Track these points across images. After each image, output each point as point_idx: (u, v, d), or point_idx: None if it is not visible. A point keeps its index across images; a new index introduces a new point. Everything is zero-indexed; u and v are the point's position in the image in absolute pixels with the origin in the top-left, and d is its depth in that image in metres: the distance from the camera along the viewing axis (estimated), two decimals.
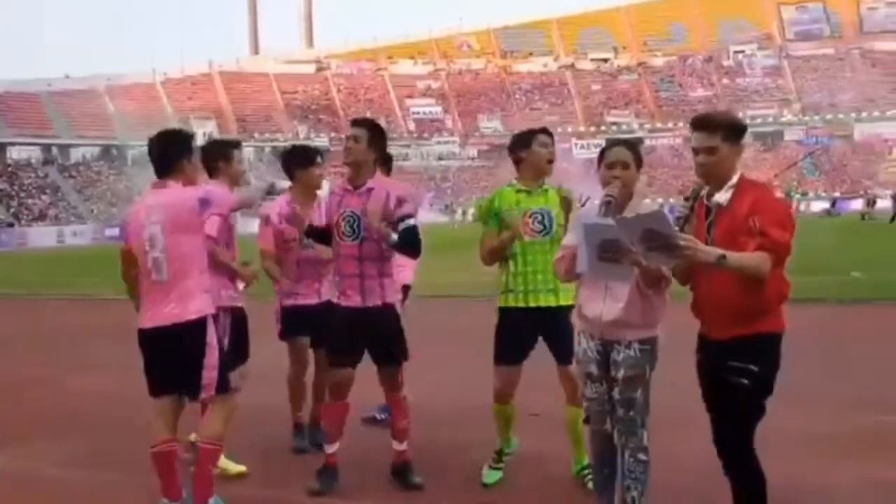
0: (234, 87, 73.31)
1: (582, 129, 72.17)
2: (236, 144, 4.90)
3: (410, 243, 4.21)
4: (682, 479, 4.17)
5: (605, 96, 76.79)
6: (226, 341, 4.27)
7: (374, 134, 4.27)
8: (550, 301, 4.22)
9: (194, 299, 3.75)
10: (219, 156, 4.71)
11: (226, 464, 4.49)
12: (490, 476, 4.45)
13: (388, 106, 75.51)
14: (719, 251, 3.00)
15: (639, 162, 3.53)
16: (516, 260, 4.24)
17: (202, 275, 3.82)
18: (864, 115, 66.40)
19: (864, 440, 4.96)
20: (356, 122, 4.34)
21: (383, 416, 5.27)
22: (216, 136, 68.36)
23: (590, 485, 4.07)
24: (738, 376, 3.15)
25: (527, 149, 4.35)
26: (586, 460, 4.20)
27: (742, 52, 75.89)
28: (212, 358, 3.75)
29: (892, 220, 32.98)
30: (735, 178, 3.21)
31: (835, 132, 66.72)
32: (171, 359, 3.74)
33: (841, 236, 24.60)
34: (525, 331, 4.27)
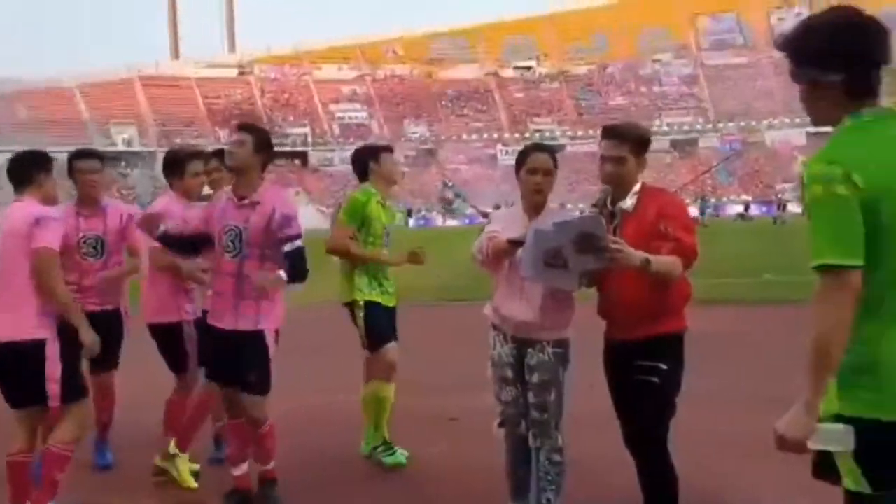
0: (154, 92, 71.45)
1: (507, 135, 72.95)
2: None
3: (298, 268, 3.92)
4: (601, 478, 4.28)
5: (529, 104, 77.82)
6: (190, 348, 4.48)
7: (261, 139, 4.02)
8: (395, 301, 4.80)
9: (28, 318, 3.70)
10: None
11: (184, 469, 4.50)
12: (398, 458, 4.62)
13: (313, 110, 74.89)
14: (645, 255, 3.14)
15: (556, 168, 3.63)
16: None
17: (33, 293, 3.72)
18: (775, 122, 69.01)
19: (771, 438, 5.16)
20: (242, 127, 4.12)
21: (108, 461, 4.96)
22: (136, 141, 66.78)
23: (386, 459, 4.55)
24: (648, 375, 3.28)
25: (376, 161, 4.75)
26: (380, 438, 4.62)
27: (659, 60, 77.95)
28: (52, 371, 3.69)
29: (775, 221, 34.79)
30: (638, 186, 3.38)
31: (747, 139, 69.15)
32: (13, 375, 3.76)
33: (754, 240, 25.53)
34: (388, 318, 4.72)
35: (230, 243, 3.89)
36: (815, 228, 2.04)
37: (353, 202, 4.66)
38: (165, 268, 4.47)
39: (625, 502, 3.69)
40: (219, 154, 4.80)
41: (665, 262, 3.19)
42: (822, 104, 2.19)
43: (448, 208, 58.50)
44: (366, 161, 4.78)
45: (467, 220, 54.65)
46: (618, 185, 3.36)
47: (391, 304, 4.76)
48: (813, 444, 2.08)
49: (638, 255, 3.14)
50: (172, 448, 4.54)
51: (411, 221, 59.46)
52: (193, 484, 4.47)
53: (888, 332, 2.05)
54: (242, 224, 3.89)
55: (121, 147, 63.07)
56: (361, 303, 4.63)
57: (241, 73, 77.23)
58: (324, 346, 7.60)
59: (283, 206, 3.95)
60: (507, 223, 3.63)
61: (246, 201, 3.92)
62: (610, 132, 3.41)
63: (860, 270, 2.01)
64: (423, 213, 62.48)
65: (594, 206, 3.36)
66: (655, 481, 3.37)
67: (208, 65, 77.29)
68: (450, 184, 66.12)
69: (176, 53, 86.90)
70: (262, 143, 3.99)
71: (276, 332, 4.06)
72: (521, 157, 3.60)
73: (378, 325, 4.64)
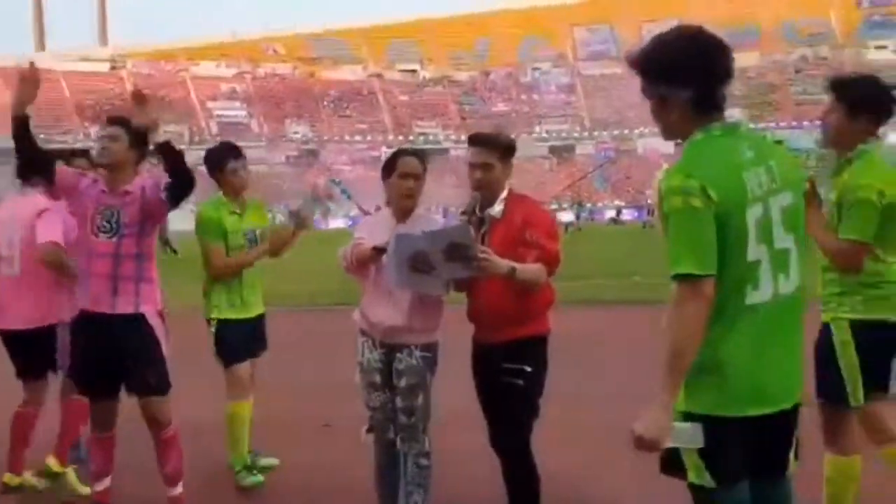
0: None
1: (391, 138, 73.00)
2: None
3: (173, 160, 3.62)
4: (469, 476, 4.35)
5: (413, 107, 78.17)
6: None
7: (136, 133, 3.74)
8: (259, 310, 4.66)
9: None
10: None
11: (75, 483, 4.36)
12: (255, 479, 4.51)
13: (190, 108, 72.54)
14: (511, 264, 3.23)
15: (425, 172, 3.65)
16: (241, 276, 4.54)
17: None
18: (646, 131, 72.06)
19: (627, 435, 5.40)
20: (115, 120, 3.83)
21: (83, 456, 4.79)
22: None
23: (246, 481, 4.45)
24: (513, 377, 3.38)
25: (221, 172, 4.54)
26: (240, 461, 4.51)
27: (539, 69, 79.97)
28: None
29: (644, 226, 36.56)
30: (505, 192, 3.47)
31: (620, 147, 71.90)
32: None
33: (625, 243, 26.57)
34: (243, 335, 4.56)
35: (106, 223, 3.68)
36: (674, 239, 2.15)
37: (206, 221, 4.43)
38: (54, 265, 4.26)
39: (491, 499, 3.78)
40: (84, 154, 4.57)
41: (530, 269, 3.29)
42: (672, 119, 2.29)
43: (324, 206, 57.79)
44: (211, 169, 4.55)
45: (350, 222, 54.33)
46: (486, 192, 3.44)
47: (251, 315, 4.57)
48: (669, 443, 2.17)
49: (504, 263, 3.22)
50: (56, 466, 4.39)
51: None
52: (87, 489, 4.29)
53: (730, 335, 2.17)
54: (118, 204, 3.69)
55: None
56: (214, 321, 4.50)
57: (114, 68, 73.99)
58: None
59: (149, 179, 3.76)
60: (375, 229, 3.63)
61: (119, 190, 3.73)
62: (477, 140, 3.49)
63: (713, 279, 2.12)
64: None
65: (463, 213, 3.44)
66: (518, 479, 3.48)
67: (77, 58, 73.63)
68: (337, 180, 65.44)
69: (42, 45, 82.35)
70: (137, 137, 3.74)
71: (162, 315, 3.86)
72: (391, 162, 3.60)
73: (227, 345, 4.48)
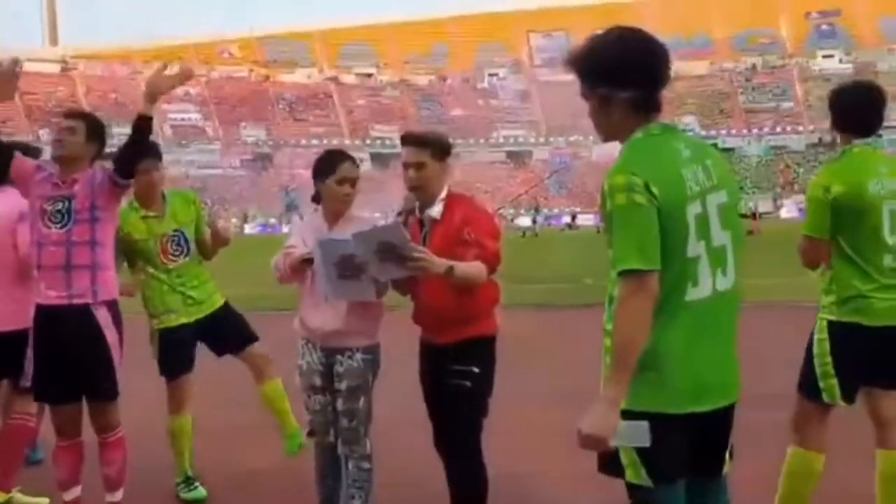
0: None
1: (348, 141, 72.73)
2: None
3: (139, 135, 3.58)
4: (412, 483, 4.32)
5: (370, 111, 78.05)
6: None
7: (95, 127, 3.73)
8: (213, 307, 4.40)
9: None
10: None
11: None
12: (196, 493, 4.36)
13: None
14: (449, 263, 3.17)
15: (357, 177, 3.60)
16: (165, 280, 4.28)
17: None
18: None
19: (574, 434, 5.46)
20: (73, 114, 3.79)
21: (39, 457, 4.71)
22: None
23: (184, 495, 4.33)
24: (461, 379, 3.33)
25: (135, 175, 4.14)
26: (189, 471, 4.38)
27: (496, 75, 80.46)
28: None
29: (598, 231, 37.26)
30: (444, 193, 3.42)
31: (576, 153, 72.63)
32: None
33: (579, 247, 26.85)
34: (192, 343, 4.35)
35: (57, 213, 3.62)
36: (619, 235, 2.15)
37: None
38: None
39: (434, 502, 3.74)
40: (38, 152, 4.37)
41: (469, 268, 3.23)
42: (613, 120, 2.29)
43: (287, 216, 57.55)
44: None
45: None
46: (422, 192, 3.39)
47: (201, 316, 4.34)
48: (615, 442, 2.14)
49: (441, 262, 3.17)
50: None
51: (247, 227, 58.01)
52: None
53: (669, 332, 2.17)
54: (68, 194, 3.63)
55: None
56: (156, 332, 4.29)
57: (64, 70, 72.64)
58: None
59: (100, 172, 3.69)
60: (307, 233, 3.57)
61: (69, 180, 3.66)
62: (409, 139, 3.45)
63: (658, 274, 2.12)
64: (259, 219, 61.11)
65: (399, 213, 3.38)
66: (464, 482, 3.43)
67: (26, 58, 72.10)
68: (291, 188, 64.95)
69: None
70: (95, 131, 3.71)
71: (114, 306, 3.74)
72: (328, 166, 3.54)
73: (168, 357, 4.30)
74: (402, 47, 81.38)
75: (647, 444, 2.15)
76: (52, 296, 3.64)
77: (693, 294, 2.20)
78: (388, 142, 72.07)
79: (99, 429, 3.80)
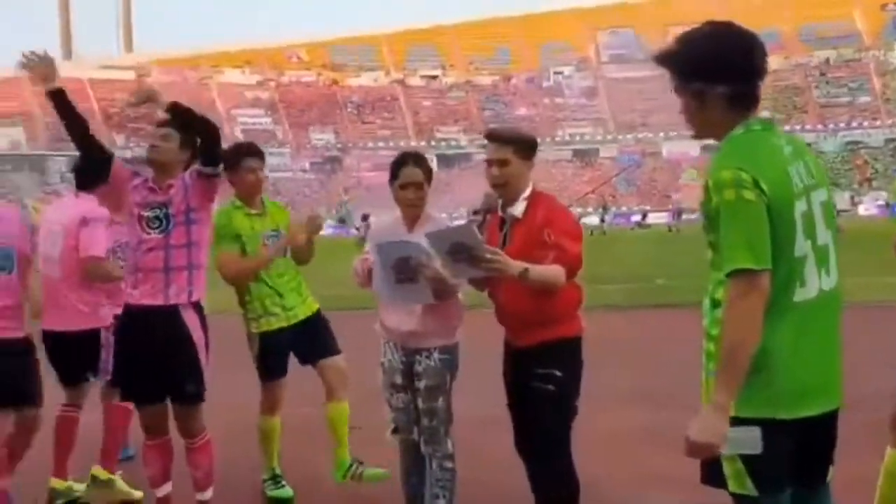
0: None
1: (413, 143, 73.15)
2: None
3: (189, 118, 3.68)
4: (498, 485, 4.31)
5: (435, 112, 78.32)
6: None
7: (188, 136, 3.79)
8: (307, 312, 4.42)
9: None
10: None
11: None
12: (282, 492, 4.39)
13: (215, 115, 72.77)
14: (523, 265, 3.11)
15: (429, 178, 3.61)
16: (267, 282, 4.31)
17: None
18: (672, 134, 71.65)
19: (661, 436, 5.24)
20: (165, 122, 3.82)
21: (130, 454, 4.85)
22: (23, 143, 63.80)
23: (365, 475, 4.42)
24: (543, 382, 3.27)
25: (235, 171, 4.26)
26: (349, 460, 4.46)
27: (561, 73, 79.81)
28: None
29: (670, 229, 37.15)
30: (528, 191, 3.36)
31: (645, 150, 71.52)
32: None
33: (649, 247, 26.43)
34: (286, 347, 4.38)
35: (154, 219, 3.73)
36: (727, 233, 2.08)
37: (215, 227, 4.14)
38: (99, 279, 4.35)
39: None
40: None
41: (545, 271, 3.16)
42: (708, 116, 2.23)
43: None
44: (225, 168, 4.23)
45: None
46: (504, 189, 3.34)
47: (296, 321, 4.36)
48: (726, 449, 2.06)
49: (515, 264, 3.11)
50: (102, 473, 4.36)
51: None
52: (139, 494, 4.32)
53: (777, 334, 2.10)
54: (165, 199, 3.74)
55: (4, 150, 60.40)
56: (256, 335, 4.32)
57: (139, 76, 74.83)
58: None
59: (189, 172, 3.80)
60: (387, 234, 3.59)
61: (165, 185, 3.78)
62: (493, 136, 3.42)
63: (769, 274, 2.06)
64: (329, 220, 61.85)
65: (475, 211, 3.34)
66: (546, 487, 3.36)
67: (103, 66, 74.61)
68: (345, 199, 65.52)
69: (69, 53, 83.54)
70: (188, 140, 3.80)
71: (200, 307, 3.83)
72: (392, 171, 3.57)
73: (267, 360, 4.34)
74: (466, 48, 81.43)
75: (758, 451, 2.07)
76: (147, 296, 3.73)
77: (801, 294, 2.14)
78: (453, 143, 72.25)
79: (184, 434, 3.85)
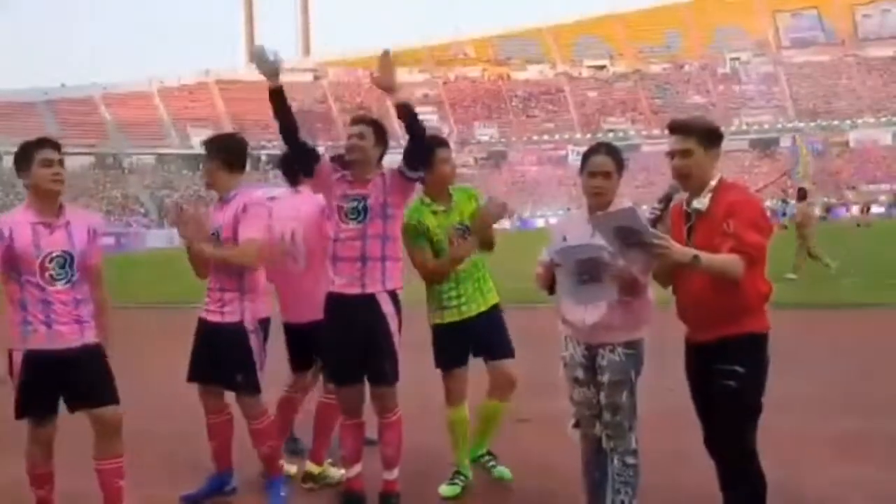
0: (230, 95, 73.36)
1: (578, 135, 72.34)
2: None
3: (410, 121, 3.88)
4: (677, 479, 4.23)
5: (602, 103, 77.04)
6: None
7: (380, 131, 4.04)
8: (481, 307, 4.33)
9: None
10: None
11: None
12: (448, 490, 4.31)
13: (384, 113, 75.46)
14: (693, 251, 3.03)
15: (620, 169, 3.52)
16: (448, 277, 4.28)
17: None
18: (859, 121, 66.65)
19: (852, 442, 5.01)
20: (360, 119, 4.12)
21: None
22: None
23: (493, 471, 4.45)
24: (724, 379, 3.17)
25: (429, 167, 4.17)
26: (485, 447, 4.48)
27: (738, 59, 76.19)
28: None
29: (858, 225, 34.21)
30: (714, 182, 3.24)
31: (830, 139, 66.96)
32: None
33: (832, 242, 24.69)
34: (463, 339, 4.32)
35: (353, 210, 3.96)
36: None
37: (404, 228, 4.17)
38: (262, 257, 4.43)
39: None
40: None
41: (717, 259, 3.05)
42: None
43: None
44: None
45: (537, 221, 54.47)
46: (688, 181, 3.25)
47: (470, 315, 4.30)
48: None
49: (685, 250, 3.04)
50: (313, 467, 4.54)
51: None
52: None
53: None
54: (364, 192, 3.96)
55: (197, 150, 65.13)
56: (431, 327, 4.37)
57: (316, 78, 78.53)
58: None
59: (390, 171, 4.01)
60: (571, 228, 3.56)
61: (364, 179, 3.98)
62: (675, 126, 3.32)
63: None
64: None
65: (660, 201, 3.24)
66: (735, 485, 3.26)
67: (284, 69, 78.85)
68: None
69: (251, 57, 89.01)
70: (380, 135, 4.04)
71: (396, 296, 4.02)
72: (583, 160, 3.53)
73: (440, 351, 4.34)
74: (635, 37, 79.47)
75: None
76: (345, 285, 3.97)
77: None
78: (620, 134, 70.76)
79: (380, 410, 4.10)
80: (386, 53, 3.96)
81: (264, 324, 4.35)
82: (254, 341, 4.13)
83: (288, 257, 4.56)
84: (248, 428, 4.22)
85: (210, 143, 4.31)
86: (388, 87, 3.92)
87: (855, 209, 45.79)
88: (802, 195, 16.87)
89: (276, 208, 4.43)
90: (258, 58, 3.99)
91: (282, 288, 4.65)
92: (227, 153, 4.26)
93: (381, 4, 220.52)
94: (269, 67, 3.99)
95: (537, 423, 5.24)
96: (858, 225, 37.87)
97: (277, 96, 3.99)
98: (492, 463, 4.57)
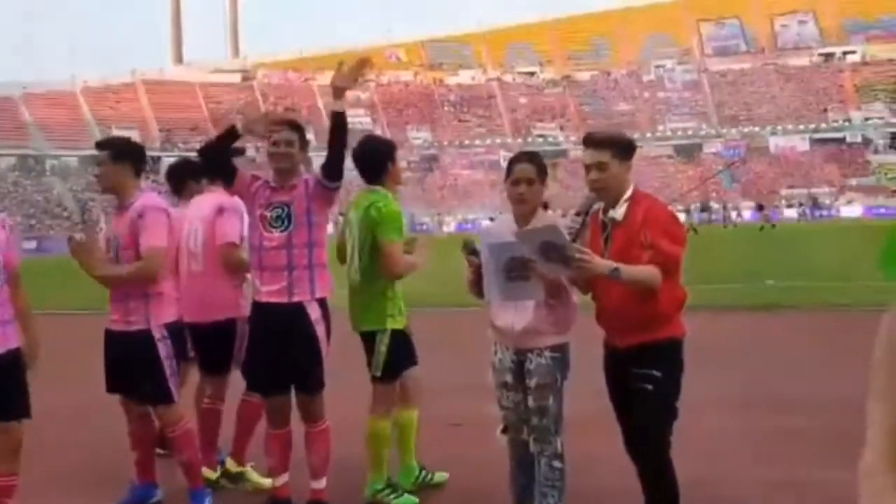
0: (157, 96, 71.66)
1: (510, 140, 72.96)
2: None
3: (338, 132, 3.86)
4: (604, 482, 4.29)
5: (532, 109, 77.86)
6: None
7: (303, 135, 4.02)
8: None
9: None
10: None
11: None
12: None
13: (317, 116, 74.85)
14: (613, 264, 3.12)
15: (543, 175, 3.57)
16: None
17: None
18: (778, 128, 68.91)
19: (765, 441, 5.16)
20: (283, 123, 3.97)
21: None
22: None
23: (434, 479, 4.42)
24: (642, 382, 3.27)
25: (392, 162, 4.31)
26: (381, 483, 4.23)
27: (663, 66, 77.98)
28: None
29: (761, 229, 35.77)
30: (629, 192, 3.33)
31: (751, 145, 69.06)
32: None
33: (747, 246, 25.50)
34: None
35: (276, 219, 3.89)
36: None
37: (394, 214, 4.11)
38: (232, 265, 4.48)
39: None
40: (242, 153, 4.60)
41: (637, 271, 3.15)
42: None
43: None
44: (384, 160, 4.29)
45: (470, 225, 54.79)
46: (605, 193, 3.33)
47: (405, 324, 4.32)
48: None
49: (605, 263, 3.12)
50: (233, 466, 4.54)
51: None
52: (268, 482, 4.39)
53: None
54: (288, 199, 3.90)
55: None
56: (389, 331, 4.17)
57: (245, 79, 77.36)
58: None
59: (311, 178, 3.95)
60: (498, 234, 3.59)
61: (288, 185, 3.93)
62: (590, 140, 3.39)
63: None
64: (426, 218, 62.38)
65: (577, 213, 3.30)
66: (655, 485, 3.37)
67: (211, 70, 77.48)
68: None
69: (179, 58, 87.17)
70: (304, 140, 4.03)
71: (325, 303, 3.97)
72: (508, 168, 3.58)
73: (408, 354, 4.31)
74: (563, 44, 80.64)
75: None
76: (272, 294, 3.89)
77: None
78: (550, 139, 71.63)
79: (306, 419, 4.04)
80: (366, 60, 4.02)
81: (177, 327, 4.16)
82: (162, 349, 4.00)
83: (190, 258, 4.56)
84: (165, 435, 4.16)
85: (116, 147, 4.12)
86: (344, 89, 3.89)
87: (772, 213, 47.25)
88: None
89: (181, 207, 4.49)
90: (346, 74, 3.95)
91: (182, 288, 4.53)
92: (137, 158, 4.14)
93: (313, 7, 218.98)
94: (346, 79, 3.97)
95: (469, 426, 5.27)
96: (762, 228, 38.59)
97: (338, 118, 3.90)
98: (429, 477, 4.53)
